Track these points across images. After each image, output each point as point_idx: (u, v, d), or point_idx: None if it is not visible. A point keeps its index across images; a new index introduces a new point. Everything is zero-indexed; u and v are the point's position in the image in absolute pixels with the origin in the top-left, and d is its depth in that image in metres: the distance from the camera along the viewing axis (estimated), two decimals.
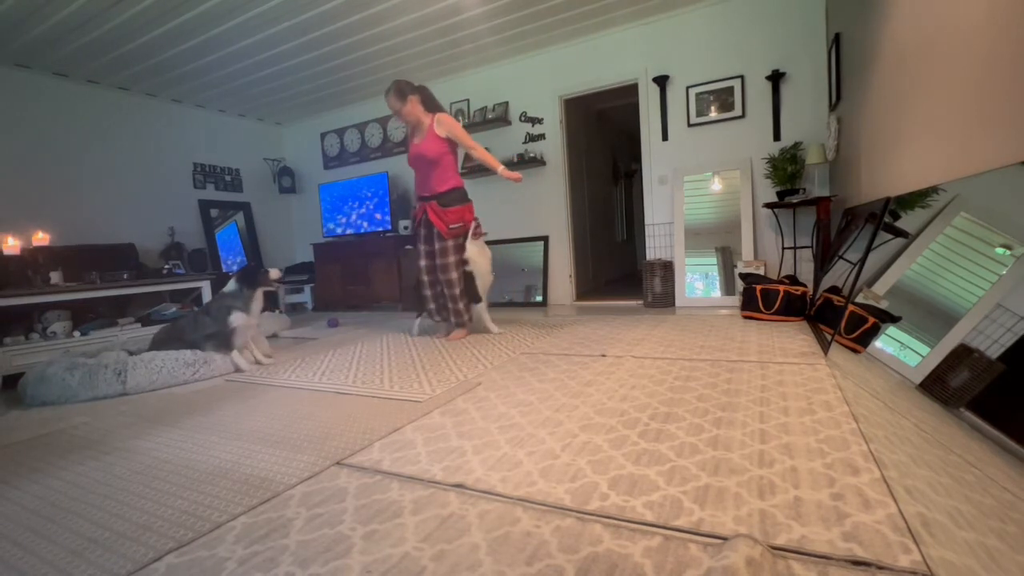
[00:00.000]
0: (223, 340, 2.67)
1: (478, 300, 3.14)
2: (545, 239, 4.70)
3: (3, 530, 1.15)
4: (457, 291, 3.05)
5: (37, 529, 1.14)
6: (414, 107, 2.99)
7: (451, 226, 3.00)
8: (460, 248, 3.05)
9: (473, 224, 3.11)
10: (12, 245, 3.46)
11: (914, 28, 1.73)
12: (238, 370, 2.68)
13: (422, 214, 3.10)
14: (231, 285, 2.73)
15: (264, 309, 2.96)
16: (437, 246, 3.02)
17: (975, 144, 1.28)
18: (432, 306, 3.19)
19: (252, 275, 2.75)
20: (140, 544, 1.03)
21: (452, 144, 3.05)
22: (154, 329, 3.17)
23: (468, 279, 3.08)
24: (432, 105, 3.07)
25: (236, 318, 2.66)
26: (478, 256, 3.09)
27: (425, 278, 3.14)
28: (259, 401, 2.08)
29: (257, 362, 2.83)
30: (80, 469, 1.49)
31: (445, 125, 2.99)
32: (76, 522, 1.15)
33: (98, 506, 1.23)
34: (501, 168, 3.02)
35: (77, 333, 3.36)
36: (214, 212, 5.31)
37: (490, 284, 3.20)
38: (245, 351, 2.81)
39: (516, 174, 3.07)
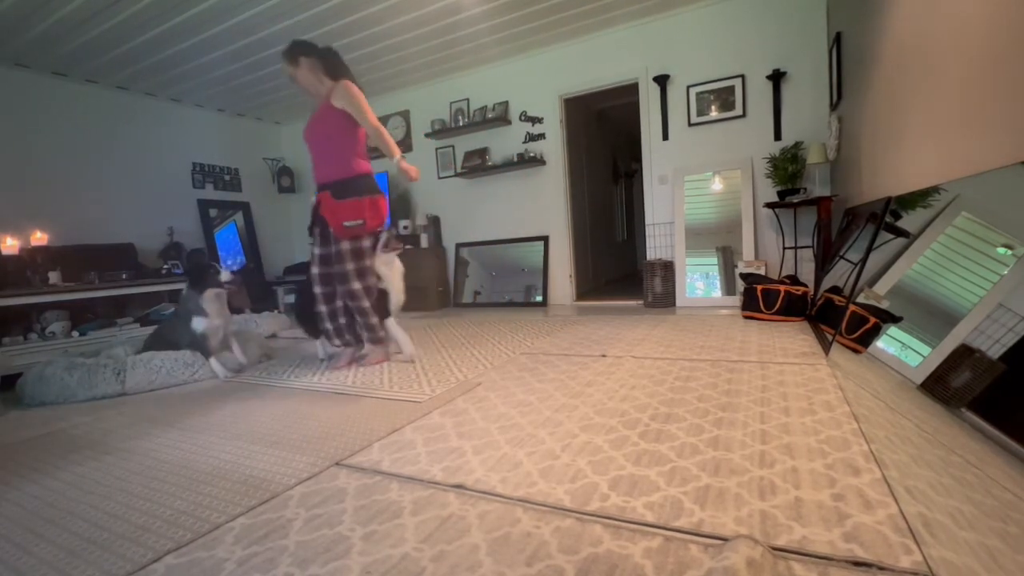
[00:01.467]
0: (198, 346, 2.61)
1: (387, 315, 2.63)
2: (545, 239, 4.70)
3: (2, 530, 1.15)
4: (365, 304, 2.47)
5: (36, 530, 1.13)
6: (309, 73, 2.43)
7: (346, 223, 2.39)
8: (362, 252, 2.45)
9: (384, 236, 2.58)
10: (11, 245, 3.45)
11: (915, 28, 1.73)
12: (215, 377, 2.59)
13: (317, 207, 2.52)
14: (185, 288, 2.66)
15: (245, 310, 2.87)
16: (333, 249, 2.44)
17: (976, 144, 1.28)
18: (329, 326, 2.57)
19: (199, 276, 2.63)
20: (139, 545, 1.02)
21: (353, 119, 2.43)
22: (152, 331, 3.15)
23: (381, 296, 2.59)
24: (336, 71, 2.46)
25: (197, 323, 2.58)
26: (388, 271, 2.62)
27: (318, 290, 2.51)
28: (258, 401, 2.08)
29: (240, 365, 2.73)
30: (79, 470, 1.48)
31: (341, 93, 2.37)
32: (75, 523, 1.15)
33: (97, 507, 1.22)
34: (399, 157, 2.40)
35: (76, 333, 3.35)
36: (213, 212, 5.30)
37: (402, 302, 2.72)
38: (228, 352, 2.74)
39: (414, 169, 2.46)
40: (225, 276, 2.62)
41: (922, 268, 1.67)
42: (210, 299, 2.61)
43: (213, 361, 2.61)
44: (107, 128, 4.44)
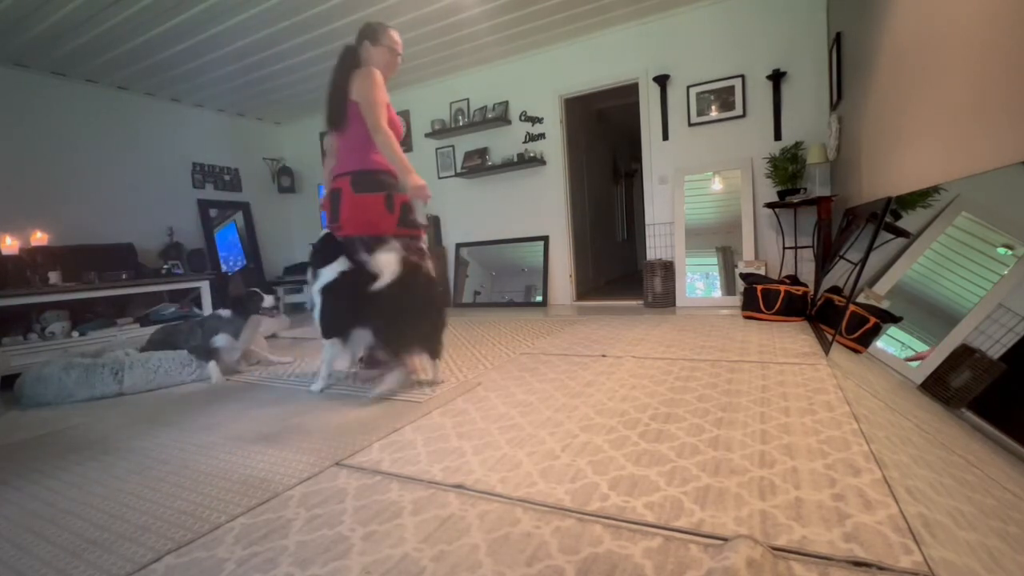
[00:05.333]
0: (202, 352, 2.61)
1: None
2: (545, 239, 4.70)
3: (2, 531, 1.15)
4: None
5: (36, 530, 1.13)
6: None
7: None
8: None
9: None
10: (10, 245, 3.45)
11: (914, 27, 1.73)
12: (208, 379, 2.58)
13: None
14: (226, 312, 2.65)
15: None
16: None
17: (976, 144, 1.28)
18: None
19: (244, 304, 2.67)
20: (139, 545, 1.02)
21: None
22: (153, 330, 3.14)
23: None
24: None
25: (220, 339, 2.60)
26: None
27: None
28: (258, 401, 2.08)
29: (265, 362, 2.84)
30: (78, 470, 1.48)
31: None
32: (75, 523, 1.15)
33: (96, 507, 1.22)
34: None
35: (76, 333, 3.35)
36: (213, 212, 5.30)
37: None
38: (256, 352, 2.82)
39: None
40: (268, 303, 2.69)
41: (922, 268, 1.67)
42: (252, 325, 2.70)
43: (212, 365, 2.60)
44: (107, 128, 4.44)
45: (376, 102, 2.10)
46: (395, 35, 2.28)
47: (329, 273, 2.12)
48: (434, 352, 2.06)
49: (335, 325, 2.12)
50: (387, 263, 1.98)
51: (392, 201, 2.18)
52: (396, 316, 1.95)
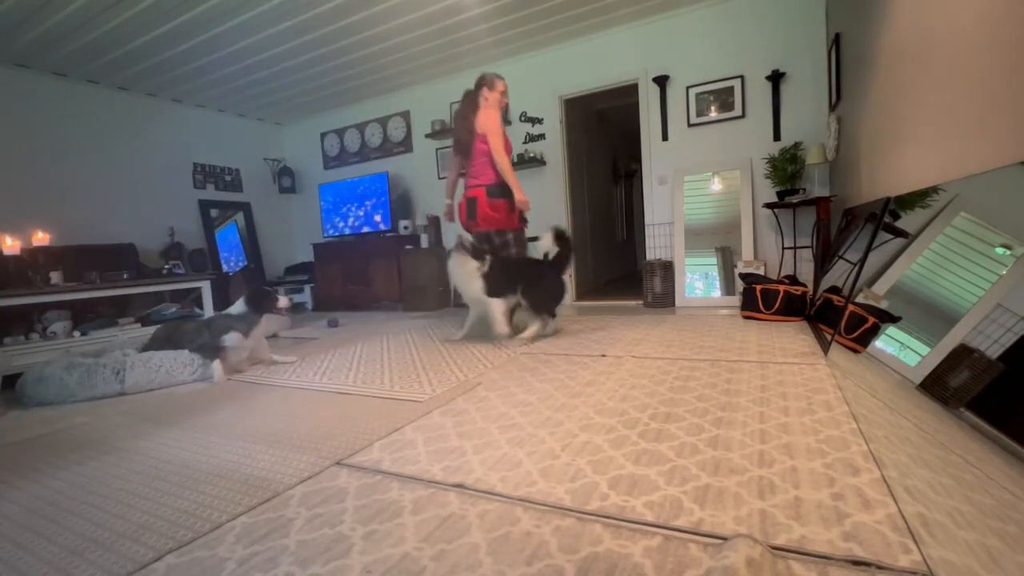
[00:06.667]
0: (209, 350, 2.60)
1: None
2: None
3: (3, 530, 1.15)
4: None
5: (37, 529, 1.14)
6: None
7: None
8: None
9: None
10: (12, 245, 3.45)
11: (914, 28, 1.73)
12: (211, 379, 2.56)
13: None
14: (238, 307, 2.64)
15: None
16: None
17: (975, 144, 1.28)
18: None
19: (260, 300, 2.66)
20: (140, 544, 1.03)
21: None
22: (154, 329, 3.14)
23: None
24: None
25: (230, 338, 2.59)
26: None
27: None
28: (259, 401, 2.08)
29: (268, 361, 2.84)
30: (80, 469, 1.49)
31: None
32: (76, 522, 1.15)
33: (98, 506, 1.22)
34: None
35: (77, 333, 3.35)
36: (214, 212, 5.30)
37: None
38: (262, 351, 2.81)
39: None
40: (283, 303, 2.71)
41: (921, 268, 1.67)
42: (263, 322, 2.71)
43: (216, 364, 2.59)
44: (108, 128, 4.45)
45: (496, 133, 2.91)
46: (504, 83, 3.08)
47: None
48: (551, 314, 2.91)
49: (496, 290, 2.88)
50: (547, 243, 2.98)
51: (514, 205, 3.00)
52: (532, 285, 2.85)
